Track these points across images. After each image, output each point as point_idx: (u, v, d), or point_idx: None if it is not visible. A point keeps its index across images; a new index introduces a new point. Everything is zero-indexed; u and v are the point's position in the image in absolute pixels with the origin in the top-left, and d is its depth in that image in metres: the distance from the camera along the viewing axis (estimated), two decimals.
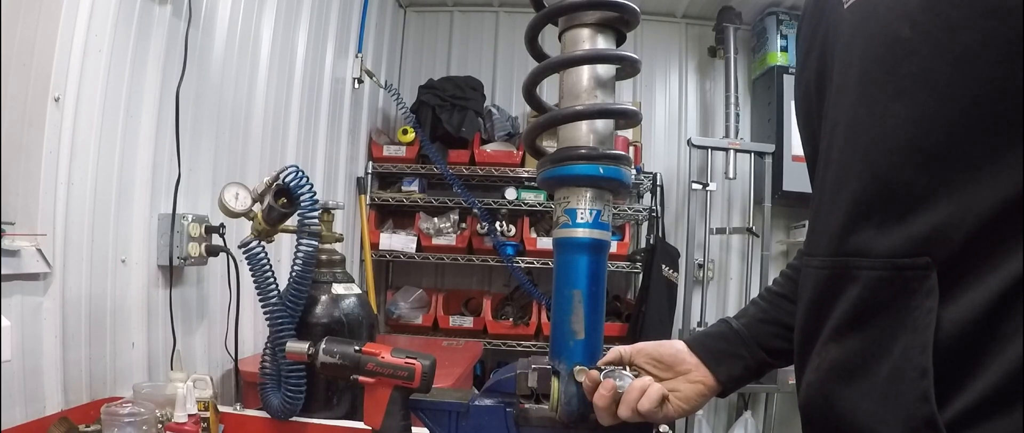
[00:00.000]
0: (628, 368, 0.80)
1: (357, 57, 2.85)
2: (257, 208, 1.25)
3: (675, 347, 0.83)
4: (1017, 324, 0.52)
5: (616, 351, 0.82)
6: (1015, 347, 0.51)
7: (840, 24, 0.66)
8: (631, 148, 3.08)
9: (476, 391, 0.92)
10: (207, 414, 1.21)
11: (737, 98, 3.22)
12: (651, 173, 3.18)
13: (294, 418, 1.25)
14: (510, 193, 3.07)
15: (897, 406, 0.57)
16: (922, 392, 0.55)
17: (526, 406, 0.84)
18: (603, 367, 0.79)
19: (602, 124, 0.83)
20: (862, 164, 0.62)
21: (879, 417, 0.59)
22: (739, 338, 0.83)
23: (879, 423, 0.59)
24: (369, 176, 3.10)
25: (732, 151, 3.13)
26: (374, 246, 3.07)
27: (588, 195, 0.82)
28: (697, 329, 3.06)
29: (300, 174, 1.22)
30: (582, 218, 0.82)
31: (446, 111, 3.07)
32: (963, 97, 0.55)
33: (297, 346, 1.02)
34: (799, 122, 0.77)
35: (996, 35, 0.53)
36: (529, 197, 3.10)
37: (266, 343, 1.26)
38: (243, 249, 1.23)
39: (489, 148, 3.10)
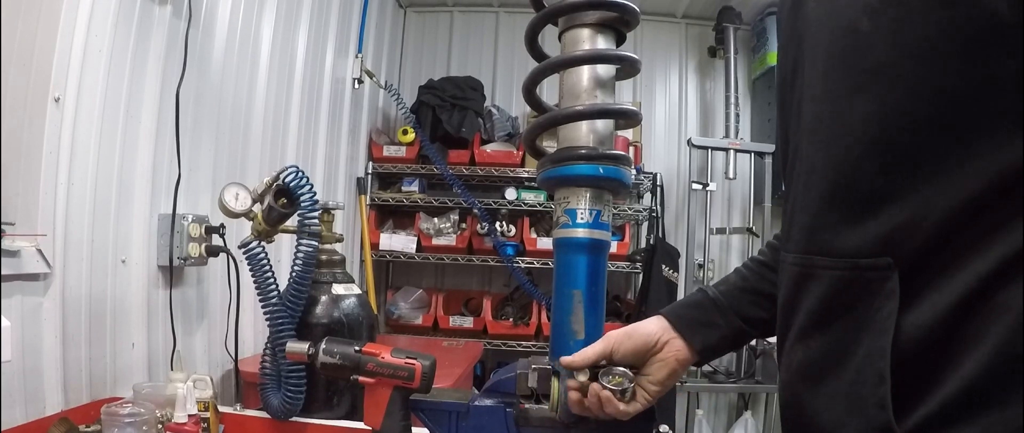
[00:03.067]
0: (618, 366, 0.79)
1: (357, 57, 2.85)
2: (257, 208, 1.25)
3: (646, 329, 0.81)
4: (978, 331, 0.51)
5: (599, 352, 0.79)
6: (977, 354, 0.50)
7: (809, 17, 0.65)
8: (631, 148, 3.08)
9: (476, 391, 0.92)
10: (207, 414, 1.21)
11: (737, 98, 3.22)
12: (651, 173, 3.18)
13: (294, 418, 1.25)
14: (510, 193, 3.06)
15: (858, 411, 0.56)
16: (879, 399, 0.54)
17: (526, 406, 0.84)
18: (602, 365, 0.79)
19: (602, 124, 0.83)
20: (826, 160, 0.61)
21: (841, 422, 0.58)
22: (715, 306, 0.82)
23: (841, 428, 0.58)
24: (369, 176, 3.10)
25: (732, 151, 3.13)
26: (374, 246, 3.07)
27: (588, 195, 0.82)
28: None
29: (300, 174, 1.22)
30: (582, 218, 0.82)
31: (446, 111, 3.07)
32: (923, 92, 0.53)
33: (297, 346, 1.02)
34: (776, 114, 0.77)
35: (954, 27, 0.51)
36: (529, 197, 3.09)
37: (266, 343, 1.26)
38: (243, 249, 1.23)
39: (489, 148, 3.10)
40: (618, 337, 0.80)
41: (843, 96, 0.59)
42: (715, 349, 0.82)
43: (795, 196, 0.67)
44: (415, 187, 3.15)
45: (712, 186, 3.16)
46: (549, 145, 0.92)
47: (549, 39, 0.89)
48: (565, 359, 0.79)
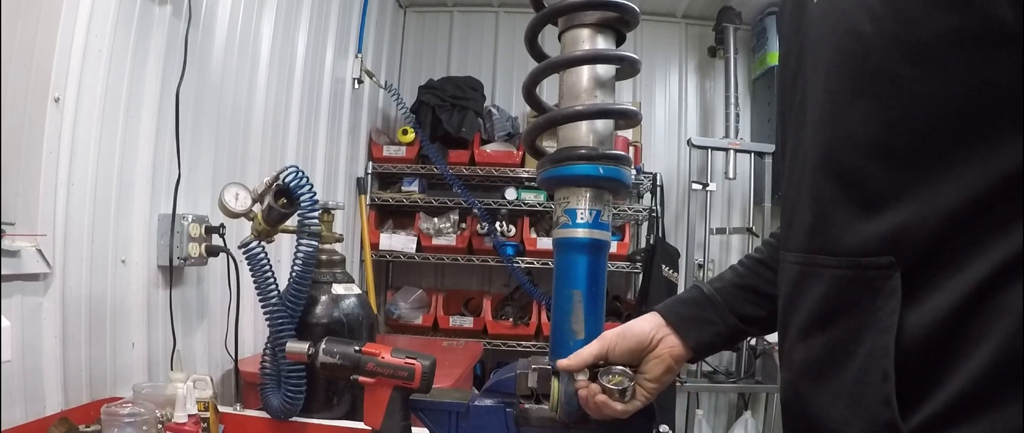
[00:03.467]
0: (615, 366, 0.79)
1: (357, 57, 2.85)
2: (257, 208, 1.25)
3: (640, 328, 0.80)
4: (979, 331, 0.51)
5: (595, 353, 0.79)
6: (979, 355, 0.51)
7: (811, 20, 0.65)
8: (631, 148, 3.08)
9: (476, 391, 0.92)
10: (207, 414, 1.21)
11: (737, 98, 3.22)
12: (651, 173, 3.18)
13: (294, 418, 1.25)
14: (510, 193, 3.06)
15: (862, 409, 0.56)
16: (884, 396, 0.54)
17: (526, 406, 0.84)
18: (600, 365, 0.79)
19: (602, 124, 0.83)
20: (828, 161, 0.61)
21: (846, 419, 0.58)
22: (710, 303, 0.81)
23: (846, 425, 0.58)
24: (369, 176, 3.10)
25: (732, 151, 3.13)
26: (374, 246, 3.07)
27: (588, 195, 0.82)
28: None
29: (300, 174, 1.22)
30: (582, 218, 0.82)
31: (446, 111, 3.07)
32: (924, 95, 0.53)
33: (297, 346, 1.02)
34: (776, 114, 0.77)
35: (956, 30, 0.51)
36: (529, 197, 3.09)
37: (266, 343, 1.26)
38: (243, 249, 1.23)
39: (489, 148, 3.10)
40: (612, 338, 0.79)
41: (845, 98, 0.59)
42: (710, 346, 0.81)
43: (796, 196, 0.68)
44: (415, 187, 3.15)
45: (712, 186, 3.16)
46: (549, 145, 0.92)
47: (549, 39, 0.89)
48: (561, 362, 0.79)
